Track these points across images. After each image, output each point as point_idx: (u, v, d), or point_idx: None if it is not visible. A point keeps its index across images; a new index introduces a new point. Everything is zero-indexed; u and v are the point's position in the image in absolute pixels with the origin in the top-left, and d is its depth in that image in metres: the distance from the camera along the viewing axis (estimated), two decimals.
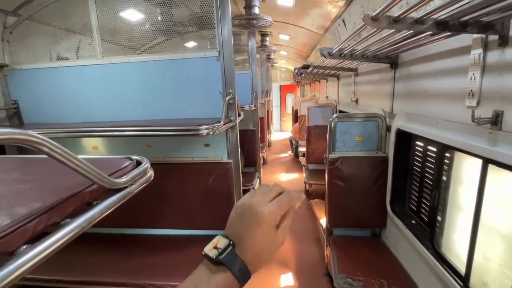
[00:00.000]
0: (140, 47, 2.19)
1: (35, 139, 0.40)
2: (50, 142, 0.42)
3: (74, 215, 0.49)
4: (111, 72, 1.93)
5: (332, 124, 1.85)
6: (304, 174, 3.90)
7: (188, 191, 1.97)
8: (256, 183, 3.39)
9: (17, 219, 0.40)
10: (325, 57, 1.82)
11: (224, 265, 0.35)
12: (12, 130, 0.38)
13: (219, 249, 0.36)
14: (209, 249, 0.37)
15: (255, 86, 3.54)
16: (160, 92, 1.92)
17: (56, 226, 0.46)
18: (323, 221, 2.23)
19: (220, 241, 0.37)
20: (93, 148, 2.15)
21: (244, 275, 0.36)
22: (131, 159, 0.77)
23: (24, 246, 0.39)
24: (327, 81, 4.93)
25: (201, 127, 1.37)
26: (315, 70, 3.18)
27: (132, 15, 2.05)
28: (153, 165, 1.86)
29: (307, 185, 3.77)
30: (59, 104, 2.04)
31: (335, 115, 1.95)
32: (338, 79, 3.81)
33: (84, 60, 1.97)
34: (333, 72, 3.34)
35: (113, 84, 1.95)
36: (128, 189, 0.64)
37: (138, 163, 0.76)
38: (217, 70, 1.76)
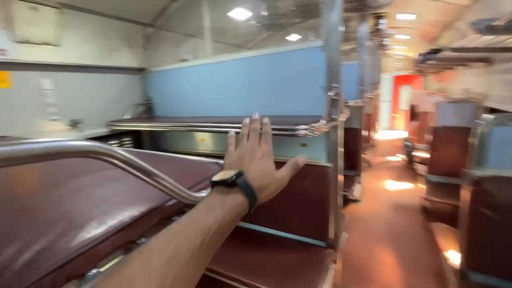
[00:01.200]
0: (245, 44, 2.24)
1: (109, 152, 0.35)
2: (123, 154, 0.37)
3: (151, 232, 0.44)
4: (218, 70, 2.04)
5: (483, 127, 1.30)
6: (422, 187, 3.14)
7: (280, 192, 1.88)
8: (356, 189, 2.98)
9: (89, 239, 0.36)
10: (481, 33, 1.28)
11: (237, 187, 0.39)
12: (84, 143, 0.33)
13: (231, 175, 0.40)
14: (220, 176, 0.41)
15: (362, 78, 3.07)
16: (259, 88, 1.88)
17: (132, 244, 0.41)
18: (452, 256, 1.68)
19: (227, 172, 0.41)
20: (201, 140, 2.38)
21: (253, 199, 0.40)
22: (218, 164, 0.71)
23: (94, 271, 0.35)
24: (465, 68, 3.76)
25: (298, 127, 1.22)
26: (452, 54, 2.42)
27: (239, 13, 2.10)
28: None
29: (427, 202, 3.02)
30: (178, 100, 2.35)
31: (487, 115, 1.37)
32: (489, 64, 2.79)
33: (198, 60, 2.17)
34: (481, 56, 2.46)
35: (218, 81, 2.07)
36: None
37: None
38: (320, 62, 1.55)
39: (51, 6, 1.73)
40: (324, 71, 1.54)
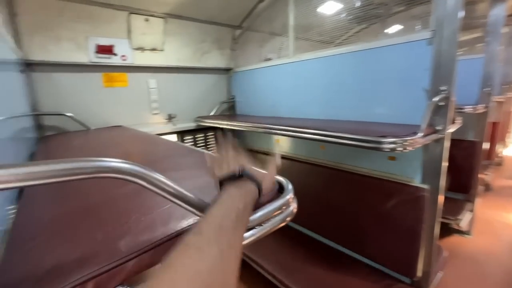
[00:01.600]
0: (333, 41, 2.05)
1: (133, 171, 0.32)
2: (149, 174, 0.34)
3: None
4: (300, 69, 1.94)
5: None
6: None
7: (358, 207, 1.65)
8: (465, 217, 2.34)
9: (115, 257, 0.34)
10: None
11: (245, 177, 0.48)
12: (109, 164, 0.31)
13: (236, 171, 0.49)
14: (227, 174, 0.49)
15: (489, 76, 2.35)
16: (345, 89, 1.68)
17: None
18: None
19: (227, 170, 0.50)
20: (276, 141, 2.35)
21: (260, 186, 0.49)
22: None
23: None
24: None
25: (384, 140, 1.00)
26: None
27: (327, 7, 1.92)
28: (323, 168, 1.71)
29: None
30: (258, 99, 2.38)
31: None
32: None
33: (279, 60, 2.12)
34: None
35: (299, 81, 1.96)
36: (257, 230, 0.50)
37: (280, 188, 0.60)
38: (425, 59, 1.24)
39: (159, 17, 2.02)
40: (429, 70, 1.23)
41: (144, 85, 2.13)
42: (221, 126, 2.10)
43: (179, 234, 0.41)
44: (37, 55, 1.64)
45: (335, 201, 1.75)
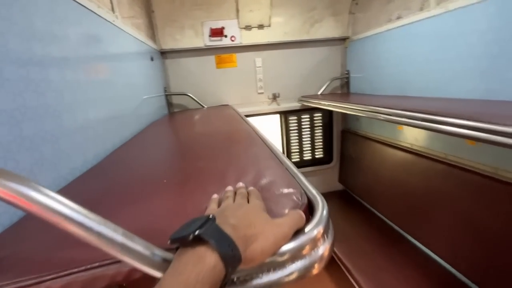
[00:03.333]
0: None
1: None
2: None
3: None
4: (445, 25, 1.33)
5: None
6: None
7: (471, 214, 1.01)
8: None
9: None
10: None
11: (203, 241, 0.27)
12: None
13: (193, 225, 0.28)
14: (181, 230, 0.28)
15: None
16: None
17: None
18: None
19: (194, 223, 0.28)
20: (399, 128, 1.81)
21: (231, 252, 0.27)
22: (299, 198, 0.40)
23: None
24: None
25: None
26: None
27: None
28: (471, 174, 1.16)
29: None
30: (379, 73, 1.89)
31: None
32: None
33: (413, 16, 1.54)
34: None
35: (441, 44, 1.36)
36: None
37: (310, 209, 0.37)
38: None
39: None
40: None
41: (251, 64, 2.14)
42: (325, 108, 1.81)
43: None
44: (168, 44, 1.96)
45: (493, 229, 1.14)
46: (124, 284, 0.29)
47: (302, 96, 2.19)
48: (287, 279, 0.32)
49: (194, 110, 2.06)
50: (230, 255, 0.27)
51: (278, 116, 2.34)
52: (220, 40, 2.00)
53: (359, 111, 1.40)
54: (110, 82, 0.97)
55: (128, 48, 1.24)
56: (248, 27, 2.02)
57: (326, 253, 0.34)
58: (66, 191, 0.56)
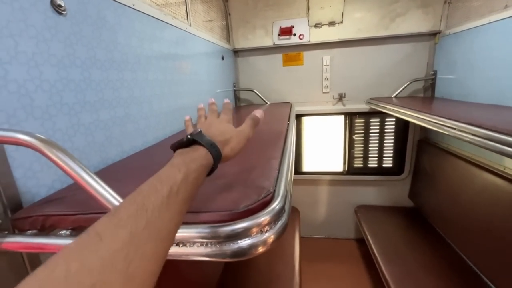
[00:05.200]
0: None
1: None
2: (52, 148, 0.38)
3: None
4: None
5: None
6: None
7: None
8: None
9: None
10: None
11: (196, 143, 0.40)
12: None
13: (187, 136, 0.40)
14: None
15: None
16: None
17: None
18: None
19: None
20: None
21: (216, 150, 0.40)
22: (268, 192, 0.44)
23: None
24: None
25: None
26: None
27: None
28: None
29: None
30: (473, 76, 1.55)
31: None
32: None
33: None
34: None
35: None
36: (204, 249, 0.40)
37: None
38: None
39: None
40: None
41: (318, 62, 2.10)
42: (397, 115, 1.56)
43: None
44: (240, 44, 2.14)
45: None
46: None
47: (371, 98, 2.02)
48: (230, 250, 0.39)
49: (255, 105, 2.20)
50: (215, 150, 0.40)
51: (342, 117, 2.23)
52: (289, 38, 2.04)
53: (436, 125, 1.15)
54: (176, 80, 1.18)
55: (199, 49, 1.45)
56: (318, 25, 1.98)
57: (270, 240, 0.40)
58: (124, 161, 0.77)
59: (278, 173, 0.55)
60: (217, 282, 1.51)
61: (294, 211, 2.33)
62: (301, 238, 2.17)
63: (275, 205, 0.43)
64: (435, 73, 1.94)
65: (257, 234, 0.40)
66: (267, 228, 0.41)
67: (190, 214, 0.42)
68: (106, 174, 0.67)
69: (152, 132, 0.98)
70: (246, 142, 0.48)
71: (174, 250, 0.40)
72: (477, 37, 1.51)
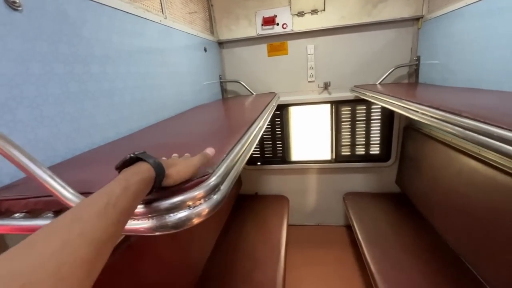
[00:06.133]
0: None
1: None
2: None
3: None
4: None
5: None
6: None
7: None
8: None
9: None
10: None
11: (139, 158, 0.41)
12: None
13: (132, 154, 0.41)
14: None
15: None
16: None
17: None
18: None
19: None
20: None
21: (159, 167, 0.41)
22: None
23: None
24: None
25: None
26: None
27: None
28: None
29: None
30: (454, 61, 1.56)
31: None
32: None
33: None
34: None
35: None
36: (147, 223, 0.43)
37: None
38: None
39: None
40: None
41: (303, 51, 2.11)
42: (382, 104, 1.54)
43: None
44: (224, 35, 2.14)
45: None
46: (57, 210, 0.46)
47: (355, 86, 2.03)
48: (171, 221, 0.43)
49: (240, 97, 2.22)
50: (158, 166, 0.41)
51: (329, 106, 2.24)
52: (272, 28, 2.04)
53: (416, 114, 1.11)
54: (153, 73, 1.21)
55: (176, 42, 1.46)
56: (300, 13, 1.98)
57: (205, 212, 0.44)
58: (92, 151, 0.81)
59: (225, 157, 0.58)
60: (203, 269, 1.56)
61: (283, 199, 2.37)
62: (290, 226, 2.23)
63: (210, 181, 0.46)
64: (418, 59, 1.94)
65: (192, 207, 0.44)
66: (202, 201, 0.44)
67: None
68: (71, 163, 0.71)
69: (125, 124, 1.01)
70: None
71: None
72: (455, 21, 1.51)
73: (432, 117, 1.03)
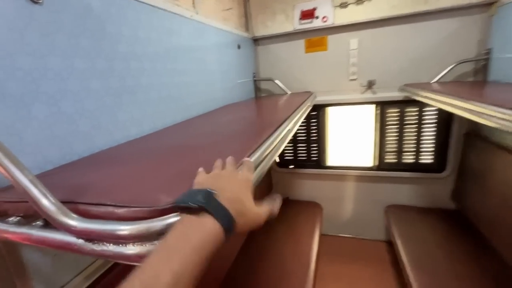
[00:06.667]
0: None
1: None
2: None
3: None
4: None
5: None
6: None
7: None
8: None
9: None
10: None
11: (205, 211, 0.32)
12: None
13: (196, 196, 0.34)
14: (183, 198, 0.34)
15: None
16: None
17: None
18: None
19: (194, 192, 0.35)
20: None
21: (228, 222, 0.33)
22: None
23: None
24: None
25: None
26: None
27: None
28: None
29: None
30: None
31: None
32: None
33: None
34: None
35: None
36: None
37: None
38: None
39: None
40: None
41: (344, 47, 1.91)
42: (438, 104, 1.30)
43: None
44: (260, 31, 2.05)
45: None
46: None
47: (406, 85, 1.77)
48: None
49: (273, 96, 2.10)
50: (229, 227, 0.33)
51: (373, 107, 2.01)
52: (311, 22, 1.89)
53: (484, 116, 0.89)
54: (180, 70, 1.17)
55: (207, 38, 1.41)
56: (343, 4, 1.79)
57: None
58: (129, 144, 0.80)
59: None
60: (226, 274, 1.50)
61: (316, 206, 2.21)
62: (322, 235, 2.06)
63: None
64: (489, 52, 1.62)
65: None
66: None
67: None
68: (87, 161, 0.68)
69: (149, 121, 0.98)
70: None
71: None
72: None
73: (504, 119, 0.80)
